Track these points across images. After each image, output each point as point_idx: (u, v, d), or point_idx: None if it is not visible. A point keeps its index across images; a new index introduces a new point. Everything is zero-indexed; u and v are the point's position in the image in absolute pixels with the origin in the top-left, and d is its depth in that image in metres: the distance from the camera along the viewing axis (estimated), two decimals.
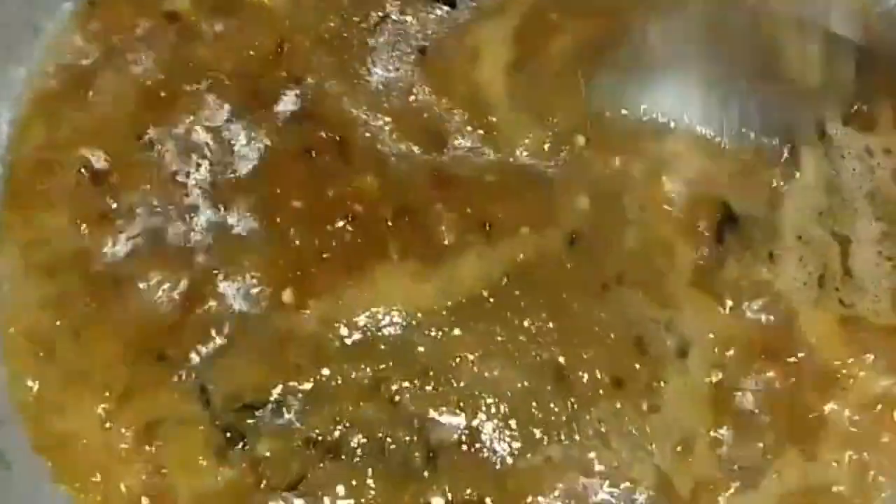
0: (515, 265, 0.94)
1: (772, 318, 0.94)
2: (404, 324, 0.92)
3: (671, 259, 0.95)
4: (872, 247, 0.96)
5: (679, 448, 0.91)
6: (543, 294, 0.93)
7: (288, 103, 0.97)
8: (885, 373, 0.93)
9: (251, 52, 0.98)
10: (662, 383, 0.92)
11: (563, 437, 0.91)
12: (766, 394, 0.92)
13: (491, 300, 0.93)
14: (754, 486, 0.91)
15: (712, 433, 0.91)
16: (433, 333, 0.92)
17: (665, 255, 0.95)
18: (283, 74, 0.98)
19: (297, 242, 0.94)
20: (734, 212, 0.96)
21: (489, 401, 0.91)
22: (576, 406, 0.91)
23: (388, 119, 0.97)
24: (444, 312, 0.93)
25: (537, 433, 0.91)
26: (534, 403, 0.91)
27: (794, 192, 0.97)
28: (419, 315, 0.93)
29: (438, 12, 1.00)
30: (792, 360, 0.93)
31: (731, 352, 0.93)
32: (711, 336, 0.93)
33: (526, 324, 0.93)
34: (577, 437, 0.91)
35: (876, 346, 0.93)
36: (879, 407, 0.92)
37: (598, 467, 0.90)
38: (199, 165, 0.96)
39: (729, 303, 0.94)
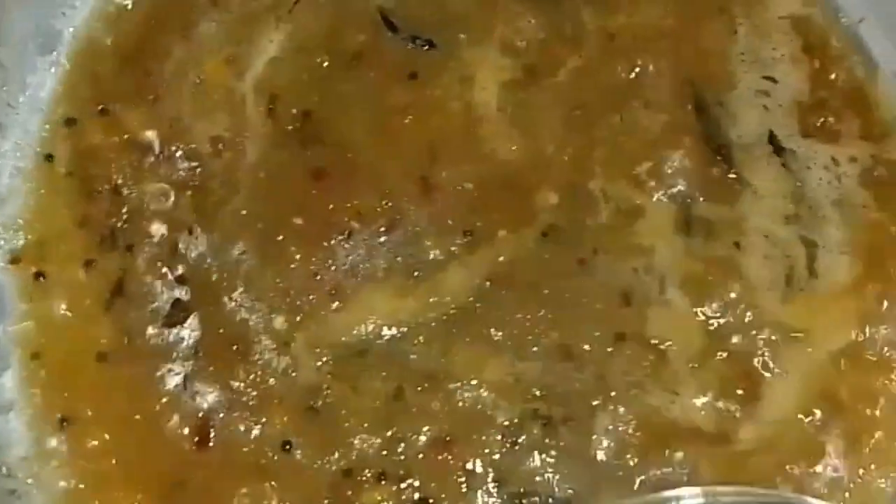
0: (496, 268, 0.96)
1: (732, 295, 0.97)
2: (398, 335, 0.94)
3: (644, 220, 0.99)
4: (838, 248, 0.99)
5: (694, 365, 0.95)
6: (527, 288, 0.95)
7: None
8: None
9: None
10: (655, 321, 0.95)
11: (604, 401, 0.93)
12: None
13: (478, 305, 0.95)
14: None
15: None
16: (423, 341, 0.94)
17: (637, 219, 0.99)
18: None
19: (295, 260, 0.97)
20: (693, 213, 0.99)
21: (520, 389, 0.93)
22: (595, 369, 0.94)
23: (383, 137, 1.00)
24: (434, 324, 0.94)
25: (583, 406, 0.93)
26: (558, 381, 0.94)
27: (752, 202, 1.00)
28: (413, 326, 0.95)
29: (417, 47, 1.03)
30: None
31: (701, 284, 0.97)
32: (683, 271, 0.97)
33: (518, 318, 0.95)
34: (612, 394, 0.93)
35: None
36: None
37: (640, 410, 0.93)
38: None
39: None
